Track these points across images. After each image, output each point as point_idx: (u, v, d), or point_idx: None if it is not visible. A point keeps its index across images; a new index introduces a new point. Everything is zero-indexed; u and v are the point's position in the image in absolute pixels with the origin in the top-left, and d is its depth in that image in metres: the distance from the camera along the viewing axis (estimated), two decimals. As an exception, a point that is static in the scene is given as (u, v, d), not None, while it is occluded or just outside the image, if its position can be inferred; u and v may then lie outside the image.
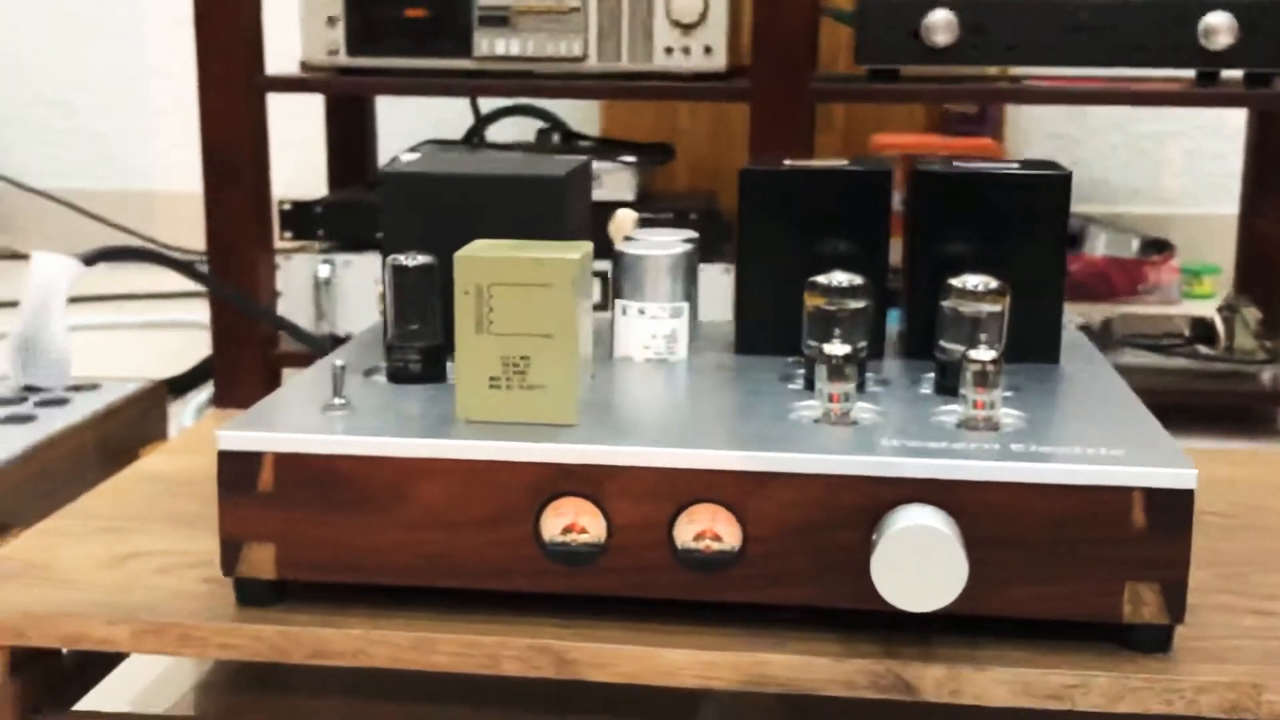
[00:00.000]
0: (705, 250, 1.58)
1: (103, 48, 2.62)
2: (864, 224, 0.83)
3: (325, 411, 0.72)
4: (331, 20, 1.58)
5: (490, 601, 0.69)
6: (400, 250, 0.81)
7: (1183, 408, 1.41)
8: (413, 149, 1.68)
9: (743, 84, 1.53)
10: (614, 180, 1.60)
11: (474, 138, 1.81)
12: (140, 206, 2.64)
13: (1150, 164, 2.45)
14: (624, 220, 1.60)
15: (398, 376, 0.78)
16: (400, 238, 0.83)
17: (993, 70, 1.59)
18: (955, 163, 0.85)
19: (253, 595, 0.70)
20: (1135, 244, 2.21)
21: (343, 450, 0.68)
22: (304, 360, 1.65)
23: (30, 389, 1.39)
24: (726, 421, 0.71)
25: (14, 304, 2.07)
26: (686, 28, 1.54)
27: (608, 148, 1.69)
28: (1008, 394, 0.77)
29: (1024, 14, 1.47)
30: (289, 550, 0.69)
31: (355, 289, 1.63)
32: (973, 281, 0.76)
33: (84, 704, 0.76)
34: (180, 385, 1.69)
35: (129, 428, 1.38)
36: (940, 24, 1.48)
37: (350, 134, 1.93)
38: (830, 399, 0.72)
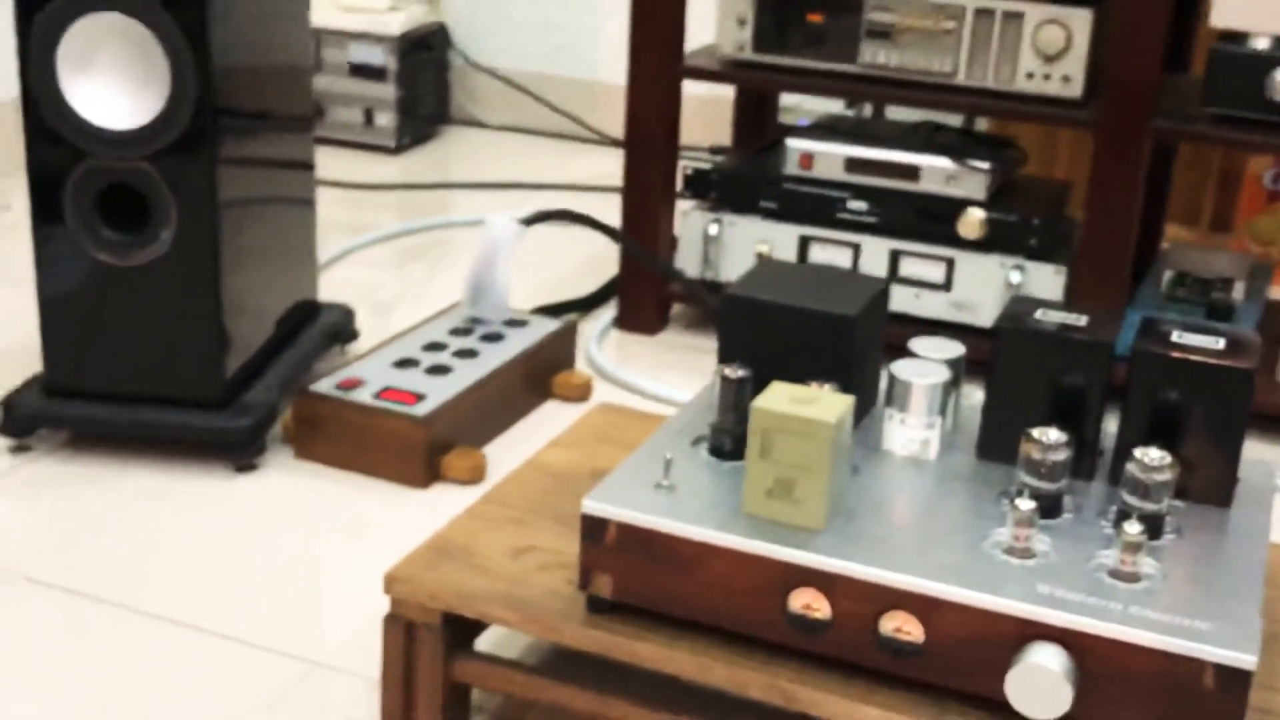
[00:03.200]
0: (1041, 251, 1.79)
1: (563, -50, 2.98)
2: (1088, 374, 1.06)
3: (655, 490, 1.04)
4: (741, 21, 1.85)
5: (750, 643, 1.00)
6: (730, 355, 1.11)
7: None
8: (804, 129, 1.95)
9: (1091, 114, 1.70)
10: (968, 180, 1.82)
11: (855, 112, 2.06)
12: (584, 94, 3.01)
13: None
14: (972, 220, 1.83)
15: (715, 452, 1.09)
16: (731, 343, 1.13)
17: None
18: (1175, 335, 1.06)
19: (597, 606, 1.04)
20: None
21: (660, 528, 1.00)
22: (687, 299, 1.99)
23: (476, 320, 1.79)
24: (931, 544, 0.98)
25: (478, 184, 2.51)
26: (1049, 58, 1.72)
27: (968, 144, 1.89)
28: (1170, 535, 1.00)
29: (1369, 80, 1.58)
30: (622, 582, 1.02)
31: (737, 244, 1.94)
32: (1151, 455, 0.99)
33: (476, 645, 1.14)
34: (589, 303, 2.06)
35: (546, 360, 1.76)
36: (1286, 80, 1.61)
37: (755, 106, 2.21)
38: (1015, 538, 0.97)
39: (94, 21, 1.43)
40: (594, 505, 1.02)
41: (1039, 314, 1.10)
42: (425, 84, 2.93)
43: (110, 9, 1.42)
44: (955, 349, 1.15)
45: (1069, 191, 1.94)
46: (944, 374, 1.11)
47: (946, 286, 1.85)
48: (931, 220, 1.84)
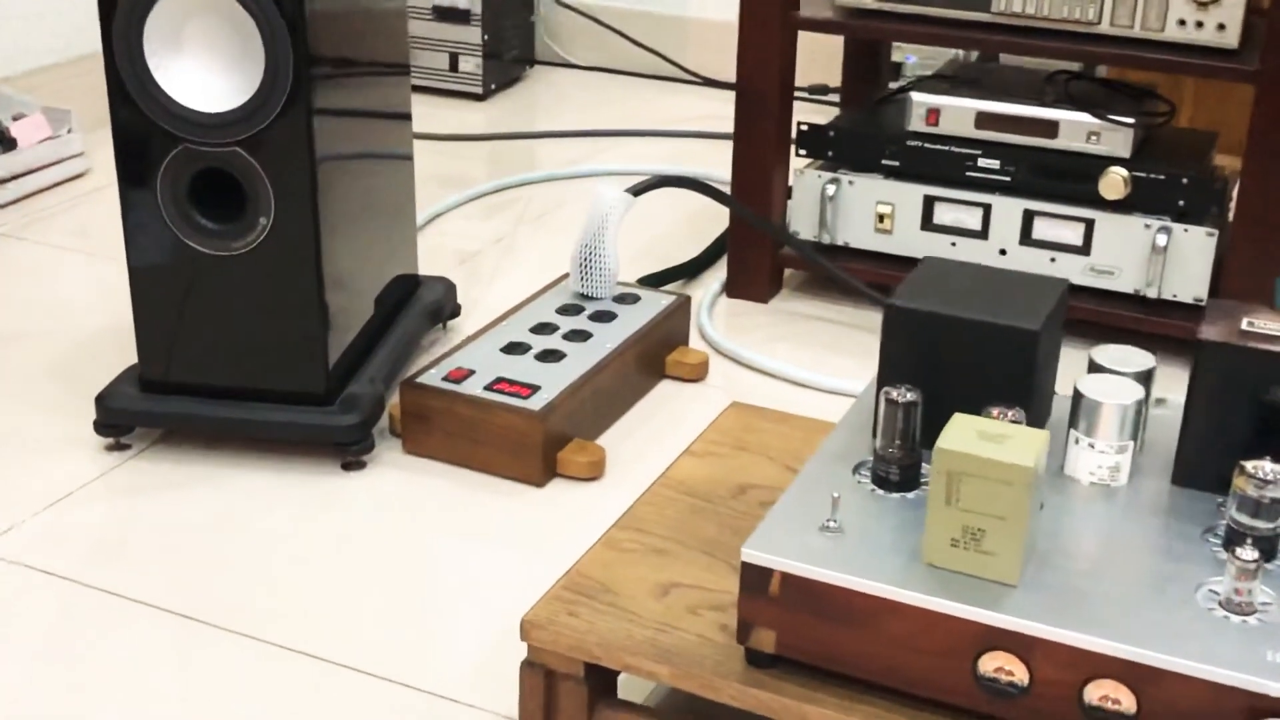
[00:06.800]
0: (1191, 211, 1.66)
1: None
2: (1304, 399, 0.95)
3: (821, 533, 0.94)
4: (862, -34, 1.72)
5: (933, 708, 0.90)
6: (895, 373, 1.01)
7: None
8: (919, 82, 1.82)
9: (1250, 65, 1.56)
10: (1112, 137, 1.68)
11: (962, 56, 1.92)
12: (674, 31, 2.87)
13: None
14: (1115, 178, 1.70)
15: (880, 483, 0.99)
16: (895, 359, 1.02)
17: None
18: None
19: (757, 660, 0.95)
20: None
21: (832, 581, 0.90)
22: (801, 264, 1.87)
23: (584, 297, 1.69)
24: (1139, 599, 0.88)
25: (572, 133, 2.41)
26: (1202, 4, 1.57)
27: (1109, 96, 1.75)
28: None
29: None
30: (786, 637, 0.93)
31: (856, 204, 1.82)
32: (1386, 495, 0.88)
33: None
34: (695, 268, 1.95)
35: (660, 338, 1.66)
36: None
37: (867, 53, 2.07)
38: (1235, 591, 0.87)
39: (181, -2, 1.33)
40: (755, 554, 0.93)
41: (1245, 323, 0.99)
42: (510, 26, 2.81)
43: (198, -17, 1.32)
44: (1145, 360, 1.04)
45: (1214, 143, 1.80)
46: (1137, 392, 1.00)
47: (1085, 250, 1.72)
48: (1069, 179, 1.71)
